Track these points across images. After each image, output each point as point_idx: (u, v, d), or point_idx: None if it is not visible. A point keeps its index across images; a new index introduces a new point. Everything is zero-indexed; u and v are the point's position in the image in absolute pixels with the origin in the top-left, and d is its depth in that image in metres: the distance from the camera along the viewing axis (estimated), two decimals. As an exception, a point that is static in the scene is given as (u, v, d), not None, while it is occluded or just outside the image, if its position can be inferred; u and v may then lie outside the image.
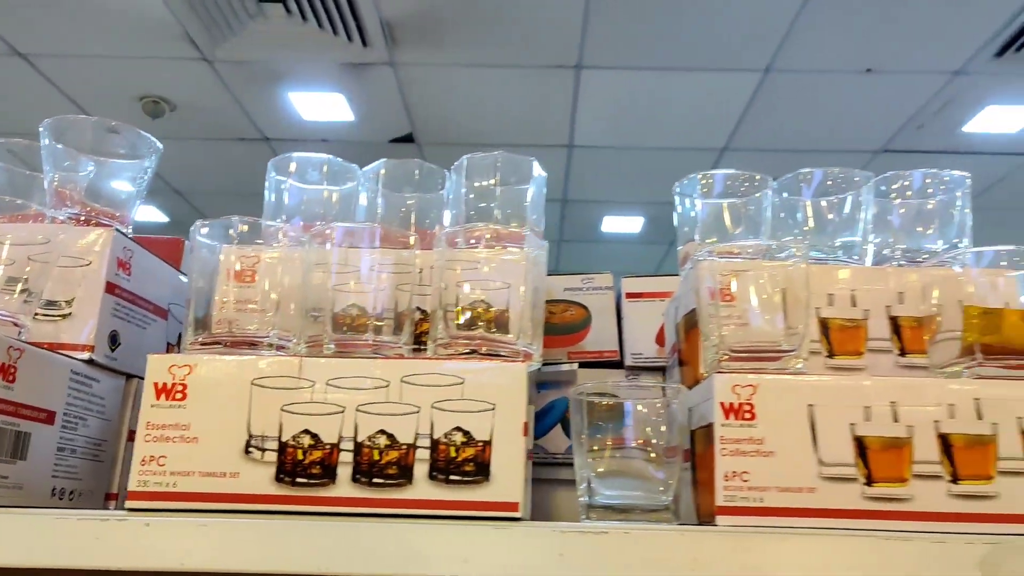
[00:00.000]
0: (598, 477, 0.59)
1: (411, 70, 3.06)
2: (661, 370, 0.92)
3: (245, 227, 0.62)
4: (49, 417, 0.60)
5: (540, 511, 0.83)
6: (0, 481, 0.56)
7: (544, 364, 0.94)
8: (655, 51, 2.93)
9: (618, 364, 0.94)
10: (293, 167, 0.71)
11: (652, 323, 0.93)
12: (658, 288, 0.95)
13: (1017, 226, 4.53)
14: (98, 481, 0.68)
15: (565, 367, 0.93)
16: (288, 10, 2.68)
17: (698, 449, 0.61)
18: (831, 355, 0.66)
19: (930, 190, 0.75)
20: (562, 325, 0.94)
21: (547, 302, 0.95)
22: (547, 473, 0.85)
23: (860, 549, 0.53)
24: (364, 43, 2.87)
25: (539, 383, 0.89)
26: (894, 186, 0.76)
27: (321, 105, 3.31)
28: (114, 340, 0.68)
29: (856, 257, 0.73)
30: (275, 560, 0.51)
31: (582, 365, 0.94)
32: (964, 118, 3.42)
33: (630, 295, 0.95)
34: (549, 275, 0.99)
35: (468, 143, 3.61)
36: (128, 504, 0.53)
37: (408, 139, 3.61)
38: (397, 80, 3.13)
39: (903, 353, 0.67)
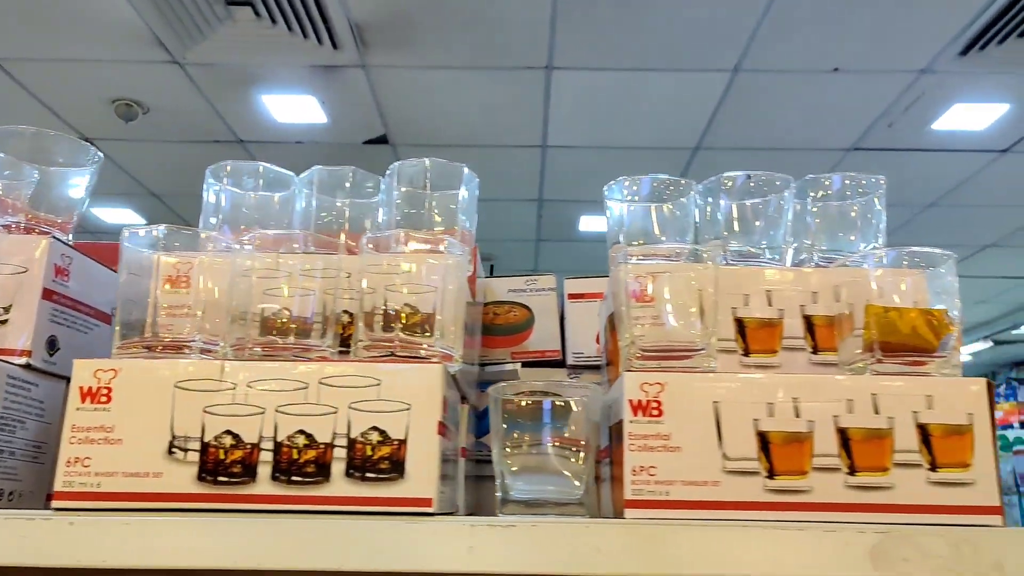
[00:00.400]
0: (513, 474, 0.61)
1: (383, 72, 3.07)
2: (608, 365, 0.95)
3: (175, 233, 0.64)
4: (-17, 421, 0.62)
5: (485, 508, 0.85)
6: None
7: (487, 364, 0.97)
8: (624, 51, 2.96)
9: (560, 363, 0.97)
10: (228, 172, 0.73)
11: (593, 323, 0.96)
12: (599, 289, 0.98)
13: (985, 223, 4.61)
14: (39, 482, 0.70)
15: (508, 367, 0.96)
16: (257, 13, 2.69)
17: (613, 445, 0.64)
18: (746, 353, 0.69)
19: (848, 192, 0.78)
20: (506, 326, 0.97)
21: (491, 303, 0.97)
22: (490, 470, 0.87)
23: (758, 539, 0.56)
24: (334, 45, 2.88)
25: (481, 383, 0.91)
26: (814, 190, 0.78)
27: (294, 107, 3.32)
28: (52, 345, 0.70)
29: (777, 258, 0.76)
30: (196, 555, 0.53)
31: (525, 364, 0.96)
32: (933, 116, 3.47)
33: (572, 296, 0.98)
34: (498, 277, 1.01)
35: (442, 144, 3.62)
36: (54, 504, 0.55)
37: (382, 140, 3.62)
38: (369, 82, 3.14)
39: (816, 351, 0.70)
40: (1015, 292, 5.99)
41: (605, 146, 3.71)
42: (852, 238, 0.78)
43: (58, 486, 0.55)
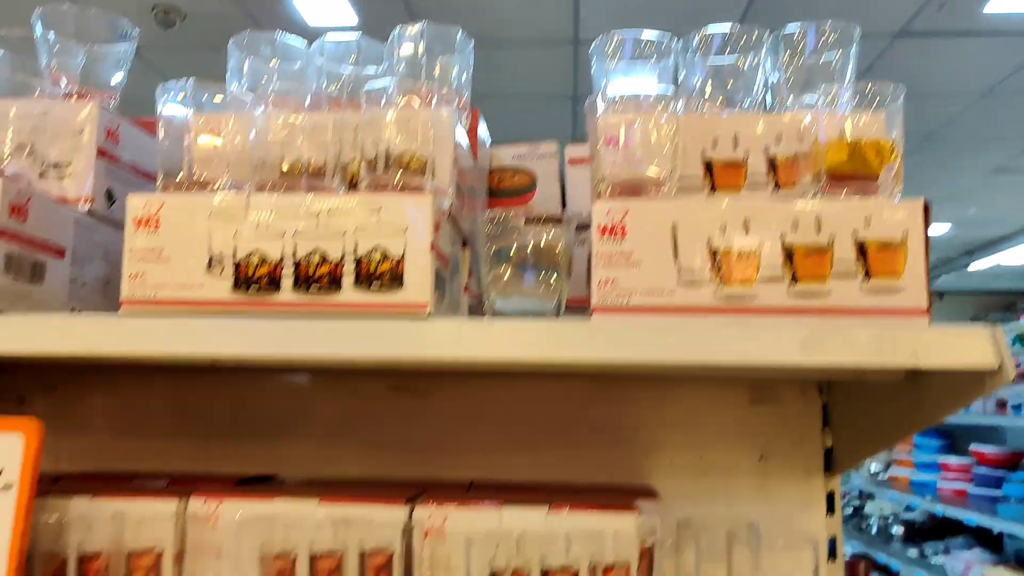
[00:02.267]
0: (497, 292, 0.71)
1: (413, -31, 3.08)
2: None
3: (205, 88, 0.74)
4: (60, 253, 0.74)
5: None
6: (25, 301, 0.70)
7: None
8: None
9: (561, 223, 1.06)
10: (248, 43, 0.82)
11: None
12: (599, 152, 1.05)
13: (1041, 110, 4.44)
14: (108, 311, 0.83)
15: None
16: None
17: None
18: (713, 190, 0.77)
19: (821, 41, 0.83)
20: (510, 189, 1.06)
21: (496, 169, 1.06)
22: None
23: (703, 330, 0.65)
24: (365, -57, 2.89)
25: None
26: (789, 40, 0.84)
27: (325, 9, 3.37)
28: (110, 196, 0.81)
29: (751, 109, 0.82)
30: (233, 347, 0.65)
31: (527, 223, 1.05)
32: (985, -3, 3.34)
33: (572, 161, 1.06)
34: (504, 143, 1.09)
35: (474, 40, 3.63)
36: (121, 311, 0.67)
37: (417, 41, 3.64)
38: (400, -20, 3.15)
39: (778, 187, 0.77)
40: (1074, 184, 5.79)
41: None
42: (819, 86, 0.84)
43: (123, 296, 0.67)
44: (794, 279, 0.68)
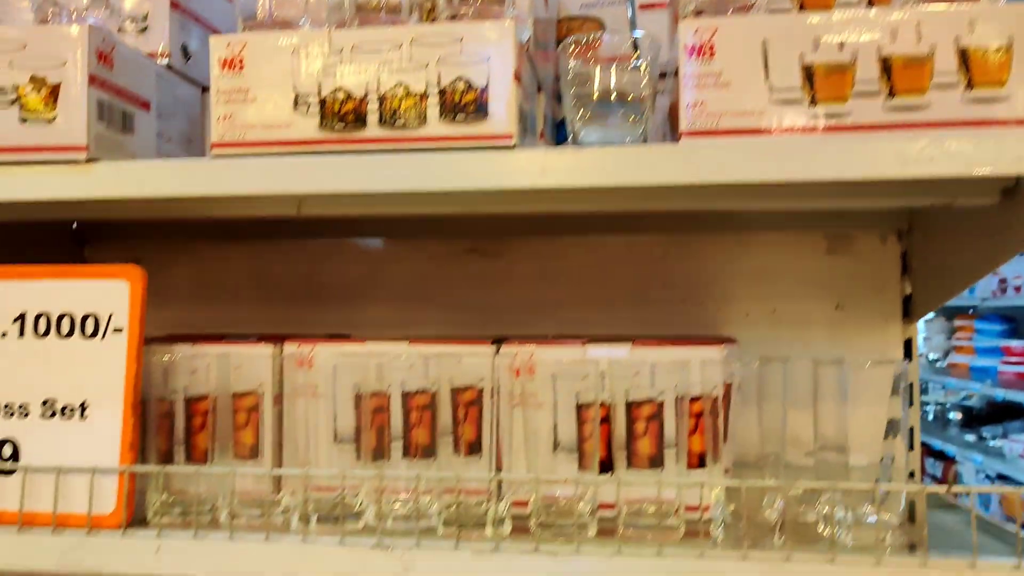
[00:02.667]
0: (582, 123, 0.70)
1: None
2: (675, 73, 1.01)
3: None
4: (145, 105, 0.75)
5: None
6: (118, 151, 0.72)
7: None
8: None
9: (632, 72, 1.03)
10: None
11: (664, 30, 1.00)
12: (669, -2, 1.02)
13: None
14: (192, 174, 0.84)
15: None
16: None
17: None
18: (802, 8, 0.73)
19: None
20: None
21: (564, 19, 1.03)
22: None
23: (801, 146, 0.64)
24: None
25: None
26: None
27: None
28: (185, 52, 0.81)
29: None
30: (321, 185, 0.66)
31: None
32: None
33: (643, 6, 1.02)
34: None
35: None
36: (212, 152, 0.69)
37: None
38: None
39: (871, 3, 0.73)
40: None
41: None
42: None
43: (213, 139, 0.68)
44: (891, 93, 0.65)
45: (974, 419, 4.02)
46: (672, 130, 0.71)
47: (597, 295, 1.03)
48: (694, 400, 0.75)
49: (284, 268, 1.07)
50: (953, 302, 4.03)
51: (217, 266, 1.08)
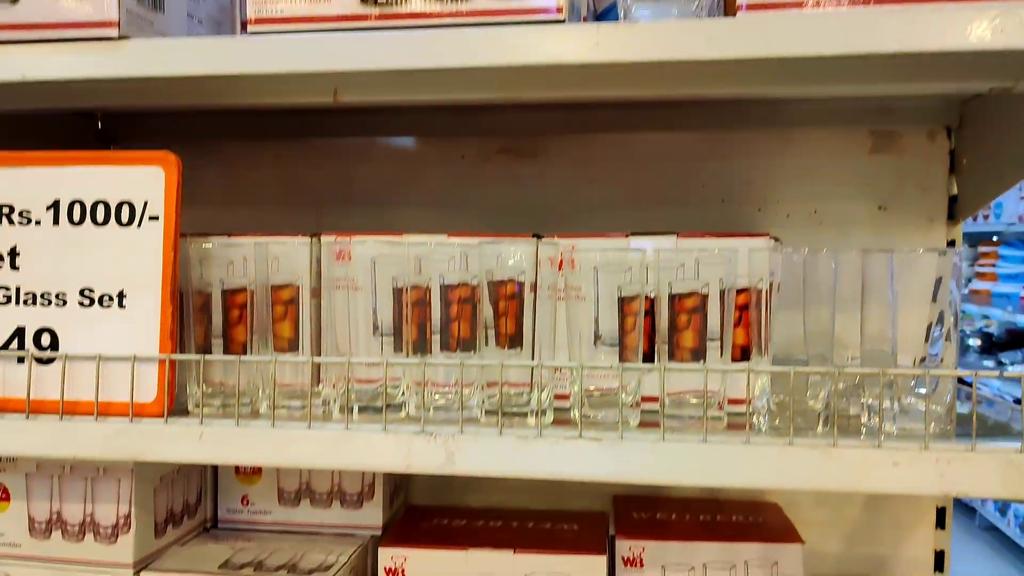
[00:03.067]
0: (635, 2, 0.67)
1: None
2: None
3: None
4: (172, -15, 0.72)
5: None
6: (148, 30, 0.69)
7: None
8: None
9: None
10: None
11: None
12: None
13: None
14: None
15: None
16: None
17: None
18: None
19: None
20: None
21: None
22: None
23: (871, 16, 0.60)
24: None
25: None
26: None
27: None
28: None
29: None
30: (362, 60, 0.63)
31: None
32: None
33: None
34: None
35: None
36: (249, 29, 0.66)
37: None
38: None
39: None
40: None
41: None
42: None
43: (249, 15, 0.66)
44: (963, -38, 0.61)
45: (994, 345, 4.01)
46: (726, 11, 0.68)
47: (634, 196, 1.01)
48: (739, 292, 0.74)
49: (315, 170, 1.05)
50: (978, 228, 3.97)
51: (246, 168, 1.07)
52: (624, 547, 0.89)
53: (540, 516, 0.99)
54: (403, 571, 0.88)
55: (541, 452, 0.66)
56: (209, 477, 1.01)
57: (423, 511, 1.02)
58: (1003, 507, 3.61)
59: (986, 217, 3.90)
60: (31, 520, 0.87)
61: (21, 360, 0.74)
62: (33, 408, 0.73)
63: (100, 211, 0.74)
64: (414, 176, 1.04)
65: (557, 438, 0.66)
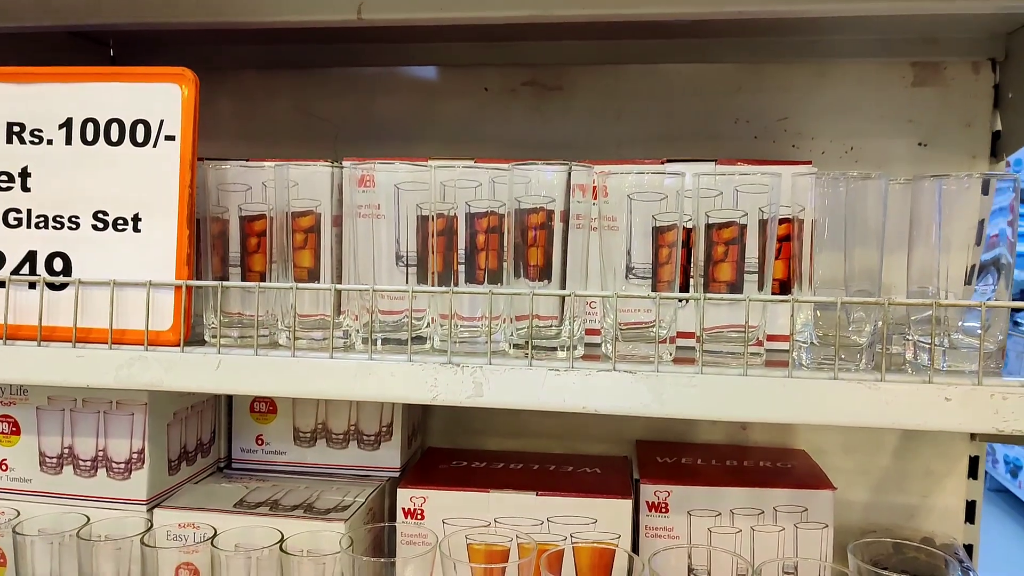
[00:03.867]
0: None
1: None
2: None
3: None
4: None
5: None
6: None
7: None
8: None
9: None
10: None
11: None
12: None
13: None
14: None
15: None
16: None
17: None
18: None
19: None
20: None
21: None
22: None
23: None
24: None
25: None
26: None
27: None
28: None
29: None
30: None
31: None
32: None
33: None
34: None
35: None
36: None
37: None
38: None
39: None
40: None
41: None
42: None
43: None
44: None
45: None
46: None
47: (663, 132, 0.97)
48: (781, 222, 0.71)
49: (334, 101, 1.02)
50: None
51: (263, 99, 1.03)
52: (649, 491, 0.87)
53: (561, 460, 0.97)
54: (422, 512, 0.86)
55: (573, 384, 0.63)
56: (223, 416, 0.99)
57: (442, 453, 1.00)
58: (1014, 469, 3.60)
59: None
60: (42, 455, 0.85)
61: (33, 286, 0.72)
62: (45, 335, 0.71)
63: (114, 130, 0.71)
64: (435, 109, 1.00)
65: (590, 370, 0.63)
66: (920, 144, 0.93)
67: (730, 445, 1.04)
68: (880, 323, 0.63)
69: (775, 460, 0.96)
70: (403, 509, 0.85)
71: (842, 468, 0.93)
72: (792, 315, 0.63)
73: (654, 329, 0.69)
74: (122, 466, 0.84)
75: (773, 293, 0.72)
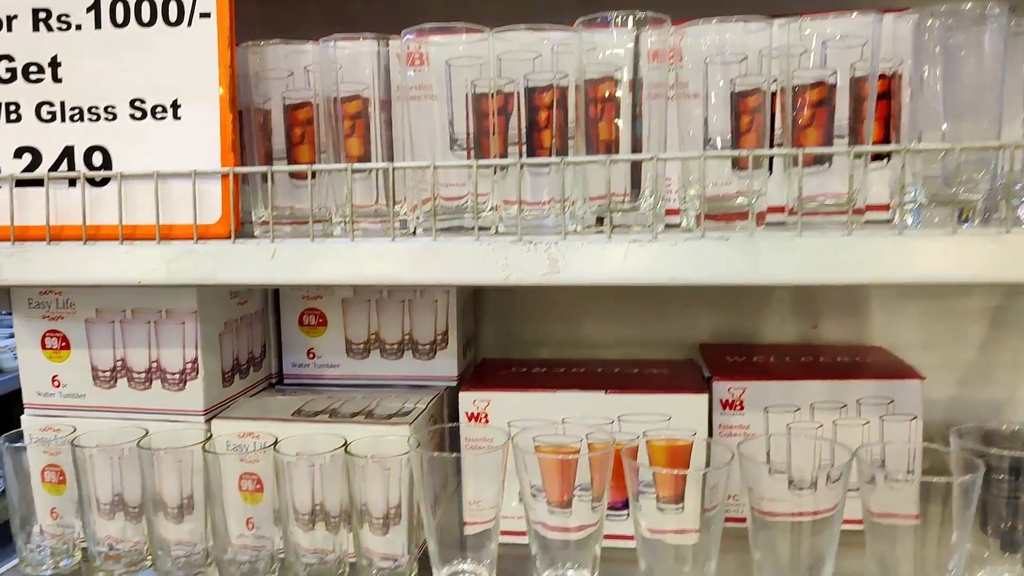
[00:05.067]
0: None
1: None
2: None
3: None
4: None
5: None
6: None
7: None
8: None
9: None
10: None
11: None
12: None
13: None
14: None
15: None
16: None
17: None
18: None
19: None
20: None
21: None
22: None
23: None
24: None
25: None
26: None
27: None
28: None
29: None
30: None
31: None
32: None
33: None
34: None
35: None
36: None
37: None
38: None
39: None
40: None
41: None
42: None
43: None
44: None
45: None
46: None
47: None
48: (881, 78, 0.64)
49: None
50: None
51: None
52: (722, 388, 0.83)
53: (625, 363, 0.93)
54: (486, 416, 0.82)
55: (658, 255, 0.58)
56: (272, 331, 0.96)
57: (498, 363, 0.96)
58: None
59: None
60: (94, 369, 0.83)
61: (73, 183, 0.68)
62: (88, 235, 0.67)
63: (145, 9, 0.66)
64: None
65: (676, 239, 0.58)
66: None
67: (802, 344, 0.99)
68: (1005, 173, 0.57)
69: (853, 355, 0.91)
70: (466, 413, 0.82)
71: (923, 364, 0.87)
72: (904, 168, 0.57)
73: (740, 199, 0.63)
74: (176, 376, 0.81)
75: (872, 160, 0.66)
